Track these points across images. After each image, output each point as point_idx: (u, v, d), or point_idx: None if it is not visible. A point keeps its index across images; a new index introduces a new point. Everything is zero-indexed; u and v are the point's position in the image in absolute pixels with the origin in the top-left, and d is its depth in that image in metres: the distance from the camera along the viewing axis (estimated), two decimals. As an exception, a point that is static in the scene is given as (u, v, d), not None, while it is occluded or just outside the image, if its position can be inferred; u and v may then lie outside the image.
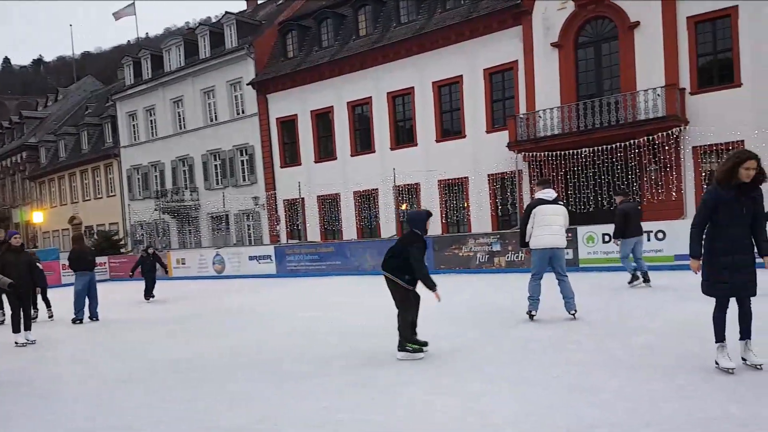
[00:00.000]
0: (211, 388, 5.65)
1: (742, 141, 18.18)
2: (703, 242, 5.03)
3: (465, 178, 24.09)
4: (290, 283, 17.28)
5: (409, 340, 6.33)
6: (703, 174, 19.30)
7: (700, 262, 5.04)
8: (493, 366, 5.79)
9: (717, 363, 5.01)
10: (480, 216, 23.26)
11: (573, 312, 7.90)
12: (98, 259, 16.10)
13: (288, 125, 29.71)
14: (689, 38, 19.15)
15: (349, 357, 6.63)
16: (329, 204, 28.52)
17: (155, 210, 33.15)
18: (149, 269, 15.31)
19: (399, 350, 6.31)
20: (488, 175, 23.42)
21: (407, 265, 6.31)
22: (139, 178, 37.36)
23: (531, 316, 8.04)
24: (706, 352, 5.36)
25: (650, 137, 19.00)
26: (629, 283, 10.80)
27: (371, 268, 17.85)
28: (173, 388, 5.80)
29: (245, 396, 5.31)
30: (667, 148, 19.19)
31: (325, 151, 28.79)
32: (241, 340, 8.27)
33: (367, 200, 27.33)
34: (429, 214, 6.82)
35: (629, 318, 7.95)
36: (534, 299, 8.10)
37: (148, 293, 15.06)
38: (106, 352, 8.22)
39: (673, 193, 19.29)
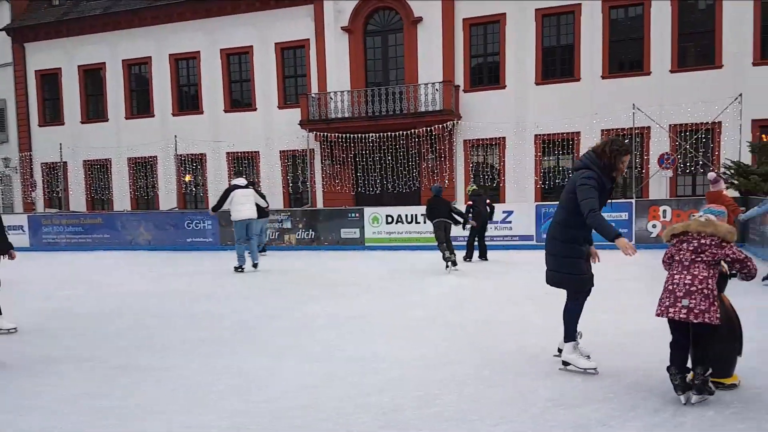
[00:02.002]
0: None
1: (504, 137, 20.55)
2: (554, 233, 4.62)
3: (256, 152, 23.72)
4: (46, 258, 15.42)
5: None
6: (471, 165, 21.37)
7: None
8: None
9: (569, 364, 4.55)
10: (271, 192, 23.12)
11: (256, 262, 11.06)
12: None
13: (50, 79, 26.48)
14: (464, 39, 20.94)
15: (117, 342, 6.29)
16: (98, 170, 26.11)
17: None
18: None
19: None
20: (280, 152, 23.35)
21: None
22: None
23: (236, 269, 10.77)
24: (475, 319, 6.07)
25: (429, 128, 20.50)
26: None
27: (147, 243, 16.83)
28: None
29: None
30: (442, 139, 20.89)
31: (94, 111, 26.24)
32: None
33: (143, 168, 25.52)
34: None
35: (408, 290, 8.56)
36: (241, 257, 11.21)
37: None
38: None
39: (446, 181, 21.11)
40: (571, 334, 4.56)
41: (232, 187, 11.48)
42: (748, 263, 3.85)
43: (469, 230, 12.01)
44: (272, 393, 4.36)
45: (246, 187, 11.63)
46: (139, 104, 25.59)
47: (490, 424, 3.64)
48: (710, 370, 3.82)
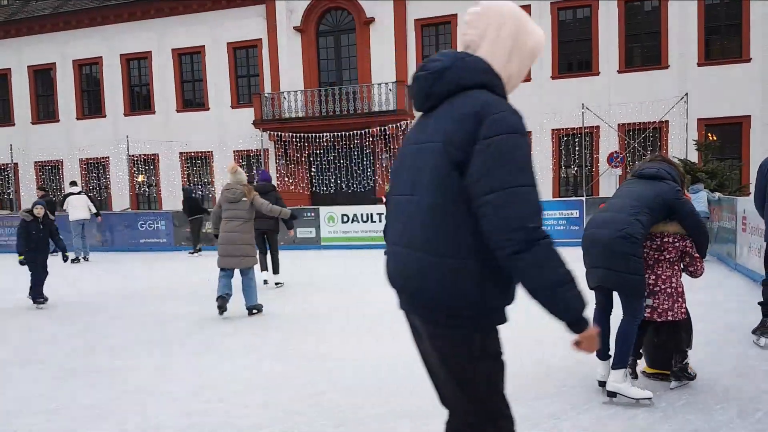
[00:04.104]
0: None
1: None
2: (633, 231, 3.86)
3: (209, 152, 23.45)
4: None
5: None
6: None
7: None
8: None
9: (616, 395, 3.87)
10: (223, 193, 22.90)
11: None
12: None
13: (-1, 80, 25.69)
14: (416, 39, 21.15)
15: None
16: (50, 171, 25.42)
17: None
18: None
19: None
20: (234, 151, 23.13)
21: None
22: None
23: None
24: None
25: (383, 128, 20.64)
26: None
27: (100, 244, 16.55)
28: None
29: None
30: (397, 139, 21.06)
31: (45, 111, 25.54)
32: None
33: (96, 169, 24.95)
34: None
35: (364, 288, 8.62)
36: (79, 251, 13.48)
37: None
38: None
39: (401, 180, 21.23)
40: (624, 359, 3.85)
41: (68, 194, 14.66)
42: (698, 263, 4.03)
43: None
44: (226, 393, 4.38)
45: (79, 193, 14.82)
46: (91, 105, 25.00)
47: (444, 420, 3.73)
48: (687, 358, 4.07)
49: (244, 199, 7.17)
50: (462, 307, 1.76)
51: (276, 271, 9.47)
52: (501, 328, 1.89)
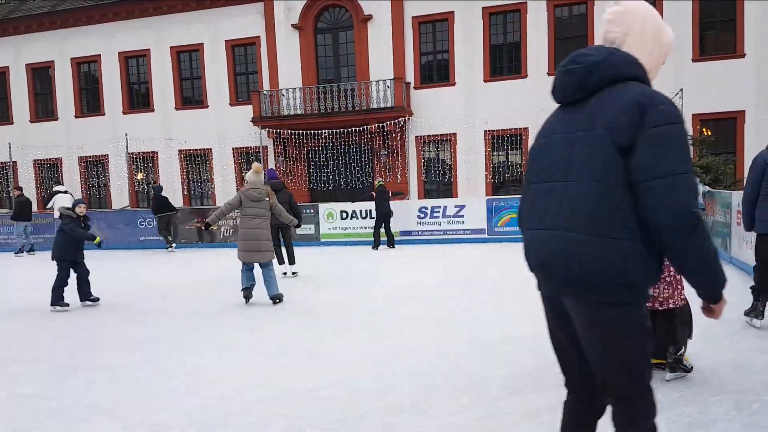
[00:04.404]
0: None
1: (455, 133, 20.99)
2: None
3: (208, 149, 23.55)
4: (-1, 260, 15.15)
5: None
6: (423, 161, 21.75)
7: None
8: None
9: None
10: (225, 189, 23.01)
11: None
12: None
13: (-5, 78, 25.70)
14: (414, 37, 21.23)
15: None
16: (48, 169, 25.54)
17: None
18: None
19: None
20: (233, 149, 23.25)
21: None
22: None
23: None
24: (428, 311, 6.37)
25: (381, 125, 20.74)
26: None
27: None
28: None
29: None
30: (395, 135, 21.19)
31: (44, 110, 25.60)
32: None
33: (95, 167, 25.06)
34: None
35: (363, 284, 8.75)
36: None
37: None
38: None
39: (399, 176, 21.44)
40: None
41: (55, 192, 15.44)
42: None
43: (375, 221, 13.85)
44: (227, 389, 4.39)
45: (65, 192, 15.64)
46: (89, 103, 25.07)
47: (445, 413, 3.76)
48: (683, 349, 4.16)
49: (267, 198, 7.79)
50: (624, 284, 1.90)
51: (292, 261, 10.26)
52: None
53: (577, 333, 2.07)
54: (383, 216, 13.83)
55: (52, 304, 7.95)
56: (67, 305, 8.01)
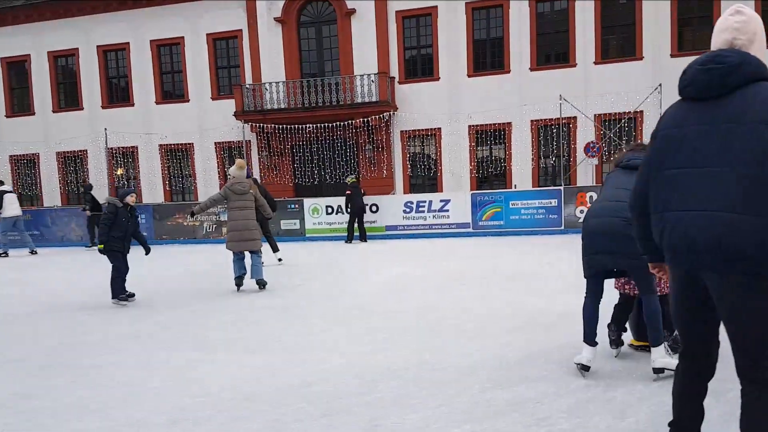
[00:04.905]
0: None
1: (440, 128, 21.03)
2: None
3: (190, 144, 23.35)
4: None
5: None
6: (408, 155, 21.76)
7: None
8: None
9: (663, 370, 4.10)
10: (207, 184, 22.84)
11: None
12: None
13: (-31, 72, 25.22)
14: (398, 31, 21.22)
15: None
16: (25, 165, 25.11)
17: None
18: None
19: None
20: (215, 143, 23.08)
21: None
22: None
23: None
24: (414, 305, 6.39)
25: (366, 119, 20.73)
26: None
27: (79, 239, 16.50)
28: None
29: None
30: (380, 130, 21.17)
31: (20, 105, 25.17)
32: None
33: (73, 162, 24.71)
34: None
35: (348, 279, 8.74)
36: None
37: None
38: None
39: (384, 171, 21.43)
40: (659, 336, 4.14)
41: (2, 192, 14.91)
42: None
43: (349, 216, 14.31)
44: (211, 387, 4.34)
45: (11, 192, 15.44)
46: (67, 97, 24.68)
47: (431, 407, 3.78)
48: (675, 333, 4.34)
49: (251, 191, 8.34)
50: None
51: (275, 249, 11.16)
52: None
53: (709, 306, 2.42)
54: (357, 211, 14.27)
55: (112, 298, 7.79)
56: (133, 295, 7.90)
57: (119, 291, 7.80)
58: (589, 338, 4.22)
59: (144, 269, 11.20)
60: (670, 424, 2.76)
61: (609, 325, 4.53)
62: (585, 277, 4.30)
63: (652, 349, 4.14)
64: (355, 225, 14.50)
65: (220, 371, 4.75)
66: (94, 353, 5.48)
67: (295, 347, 5.36)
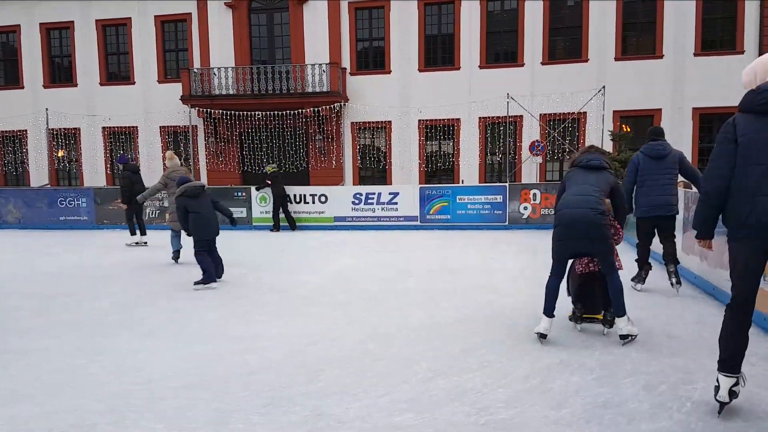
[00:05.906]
0: None
1: (390, 121, 21.13)
2: None
3: (134, 127, 22.73)
4: None
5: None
6: (359, 147, 21.79)
7: None
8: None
9: (629, 336, 4.94)
10: (151, 169, 22.23)
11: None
12: None
13: None
14: (350, 22, 21.16)
15: None
16: (-40, 144, 23.99)
17: None
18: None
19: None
20: (160, 127, 22.53)
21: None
22: None
23: None
24: (360, 296, 6.48)
25: (316, 109, 20.62)
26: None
27: (17, 221, 15.90)
28: None
29: None
30: (330, 120, 21.11)
31: (-42, 81, 24.00)
32: None
33: (12, 142, 23.72)
34: None
35: (295, 268, 8.71)
36: None
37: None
38: None
39: (334, 162, 21.40)
40: (623, 307, 4.90)
41: None
42: (620, 231, 5.24)
43: (272, 205, 14.58)
44: (152, 374, 4.32)
45: None
46: (7, 75, 23.71)
47: (373, 396, 3.87)
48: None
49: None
50: None
51: (143, 232, 12.26)
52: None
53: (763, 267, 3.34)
54: (279, 199, 14.38)
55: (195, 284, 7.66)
56: (214, 281, 7.73)
57: (208, 279, 7.73)
58: (548, 311, 4.92)
59: (83, 256, 10.93)
60: (720, 362, 3.41)
61: (575, 303, 5.33)
62: (554, 259, 4.98)
63: (617, 319, 4.92)
64: (282, 215, 14.54)
65: (161, 359, 4.71)
66: (28, 338, 5.37)
67: (238, 336, 5.35)
